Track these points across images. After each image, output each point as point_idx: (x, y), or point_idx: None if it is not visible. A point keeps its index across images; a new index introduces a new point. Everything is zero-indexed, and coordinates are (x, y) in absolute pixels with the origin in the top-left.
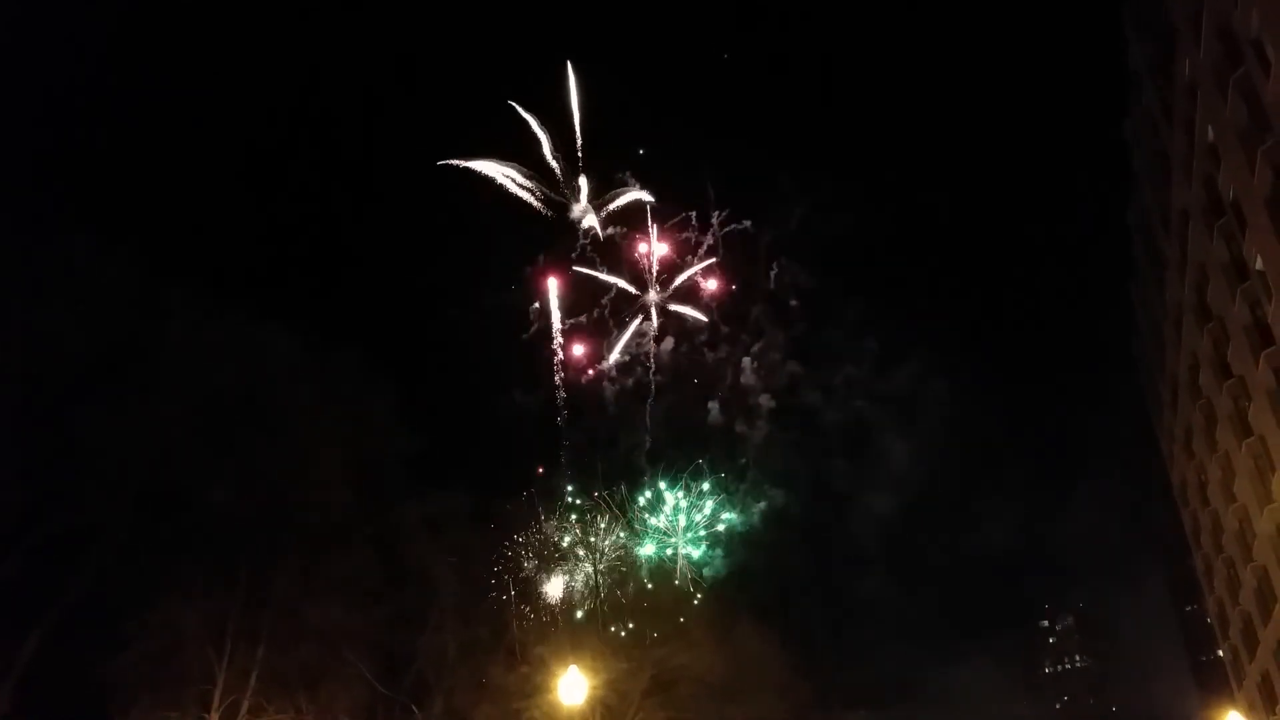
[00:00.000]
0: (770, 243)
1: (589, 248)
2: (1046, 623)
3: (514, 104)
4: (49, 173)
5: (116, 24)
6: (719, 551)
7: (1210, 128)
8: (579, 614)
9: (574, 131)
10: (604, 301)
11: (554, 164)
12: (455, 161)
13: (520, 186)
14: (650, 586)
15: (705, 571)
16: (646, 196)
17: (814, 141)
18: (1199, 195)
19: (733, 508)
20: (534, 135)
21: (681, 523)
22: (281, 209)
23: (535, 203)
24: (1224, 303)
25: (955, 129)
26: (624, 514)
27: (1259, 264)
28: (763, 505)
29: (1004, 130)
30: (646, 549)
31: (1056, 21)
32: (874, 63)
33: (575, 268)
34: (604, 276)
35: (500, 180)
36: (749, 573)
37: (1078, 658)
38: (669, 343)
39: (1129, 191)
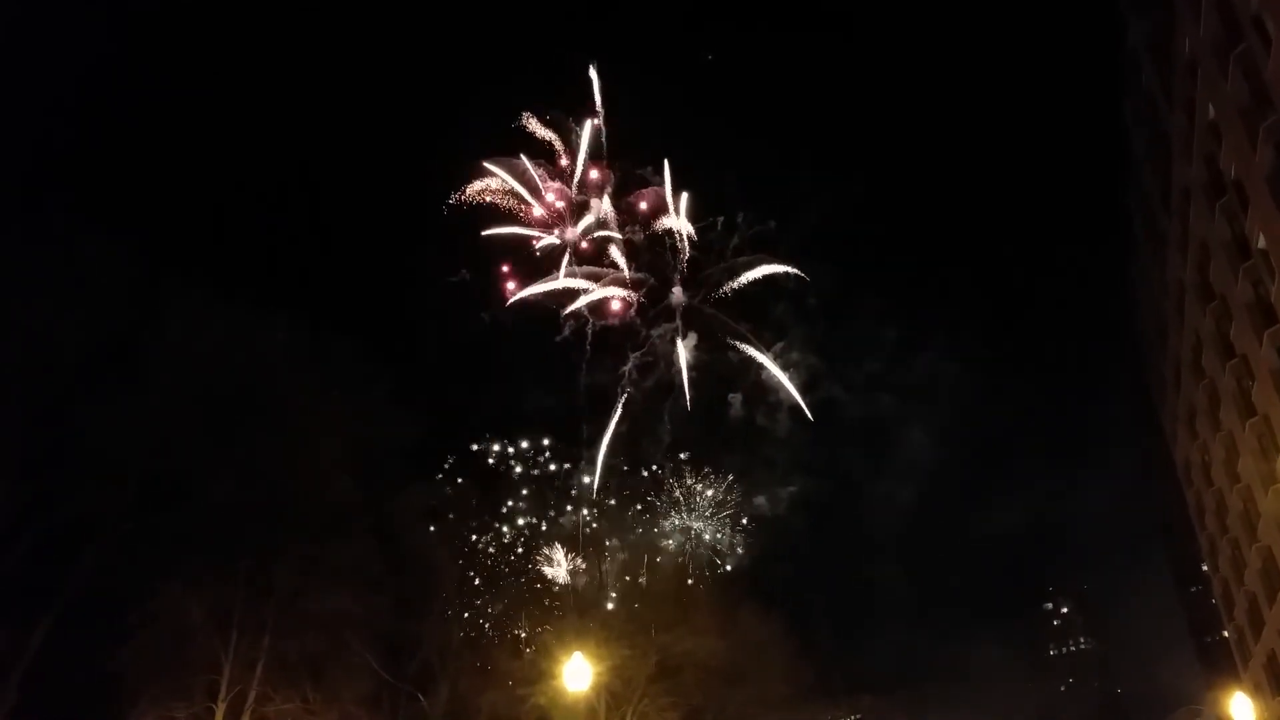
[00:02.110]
0: (792, 241)
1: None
2: (1050, 606)
3: (530, 115)
4: (47, 169)
5: (116, 22)
6: (739, 539)
7: (1211, 105)
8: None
9: (594, 133)
10: (632, 303)
11: (573, 171)
12: (467, 190)
13: (527, 189)
14: (656, 573)
15: (728, 562)
16: (686, 225)
17: (815, 138)
18: (1200, 174)
19: (754, 496)
20: (553, 130)
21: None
22: (280, 201)
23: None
24: (1226, 282)
25: (956, 117)
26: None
27: (1261, 242)
28: (782, 494)
29: (1004, 117)
30: (671, 537)
31: (1054, 4)
32: (872, 54)
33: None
34: (606, 291)
35: (508, 201)
36: (764, 560)
37: (1082, 640)
38: (690, 339)
39: (1126, 172)
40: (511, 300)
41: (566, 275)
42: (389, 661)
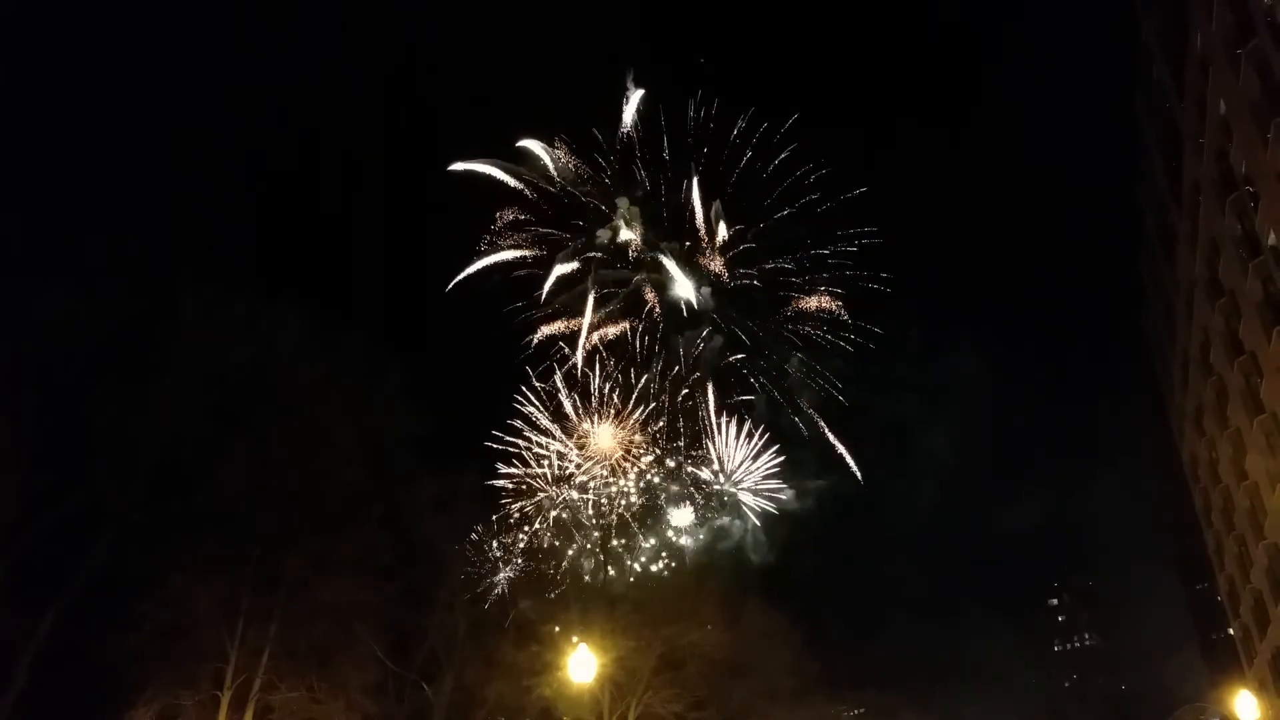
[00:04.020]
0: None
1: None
2: (1056, 601)
3: (560, 139)
4: (61, 160)
5: (131, 13)
6: (763, 535)
7: (1222, 101)
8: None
9: (627, 144)
10: (655, 308)
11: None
12: (479, 167)
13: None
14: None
15: (753, 555)
16: (719, 261)
17: (829, 136)
18: (1210, 169)
19: (779, 493)
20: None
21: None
22: (293, 191)
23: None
24: (1236, 278)
25: (968, 115)
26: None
27: (1271, 239)
28: (802, 491)
29: (1016, 113)
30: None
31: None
32: (887, 53)
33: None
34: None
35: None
36: (781, 555)
37: (1087, 636)
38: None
39: (1137, 167)
40: (537, 340)
41: (593, 299)
42: (396, 651)
